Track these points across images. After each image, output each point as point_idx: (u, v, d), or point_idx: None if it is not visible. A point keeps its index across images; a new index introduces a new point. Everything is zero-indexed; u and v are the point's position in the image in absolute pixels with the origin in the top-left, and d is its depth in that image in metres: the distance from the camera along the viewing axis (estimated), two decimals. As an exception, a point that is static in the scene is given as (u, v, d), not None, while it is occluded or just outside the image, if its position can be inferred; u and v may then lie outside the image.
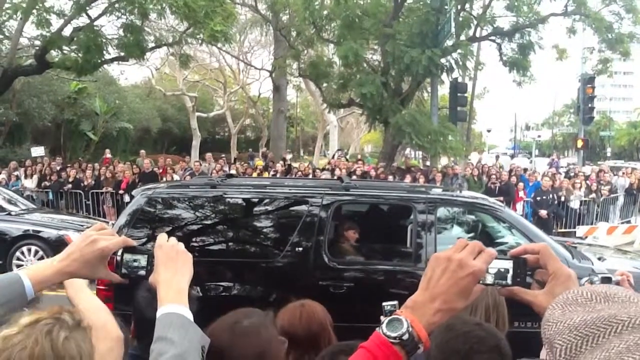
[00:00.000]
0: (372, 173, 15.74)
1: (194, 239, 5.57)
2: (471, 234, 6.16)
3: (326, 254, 5.35)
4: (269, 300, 5.01)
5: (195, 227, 5.69)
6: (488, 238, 5.92)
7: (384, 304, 2.56)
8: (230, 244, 5.74)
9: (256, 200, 5.79)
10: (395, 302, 2.43)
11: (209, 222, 5.78)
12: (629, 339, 0.77)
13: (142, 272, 1.45)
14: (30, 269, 1.44)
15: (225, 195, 5.75)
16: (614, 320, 0.80)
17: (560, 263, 1.19)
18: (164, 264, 1.41)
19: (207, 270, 5.29)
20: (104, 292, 4.93)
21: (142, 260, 1.46)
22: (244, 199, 5.83)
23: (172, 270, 1.40)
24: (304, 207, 5.54)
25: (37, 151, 19.27)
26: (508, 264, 1.18)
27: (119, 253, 1.47)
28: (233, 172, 15.83)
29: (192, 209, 5.72)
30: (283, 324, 2.32)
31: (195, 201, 5.73)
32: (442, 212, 5.84)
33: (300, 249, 5.36)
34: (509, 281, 1.17)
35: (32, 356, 1.16)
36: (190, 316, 1.34)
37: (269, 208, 5.73)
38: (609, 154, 48.59)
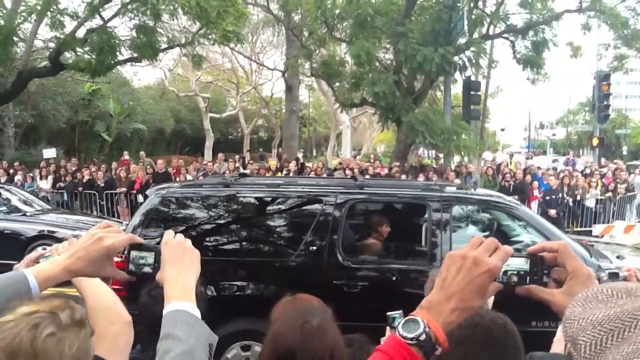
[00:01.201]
0: (383, 173, 15.70)
1: (207, 238, 5.57)
2: (487, 232, 6.09)
3: (340, 253, 5.31)
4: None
5: (209, 226, 5.69)
6: (504, 236, 5.84)
7: (388, 313, 2.53)
8: (243, 243, 5.72)
9: (270, 199, 5.77)
10: (400, 312, 2.40)
11: (222, 221, 5.77)
12: None
13: (150, 270, 1.44)
14: (36, 267, 1.44)
15: (239, 195, 5.75)
16: (638, 313, 0.78)
17: (579, 262, 1.17)
18: (171, 261, 1.39)
19: (221, 269, 5.30)
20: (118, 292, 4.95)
21: (150, 257, 1.45)
22: (257, 198, 5.81)
23: (179, 268, 1.39)
24: (317, 206, 5.51)
25: (49, 152, 19.44)
26: (525, 262, 1.15)
27: (126, 251, 1.47)
28: (247, 171, 15.90)
29: (206, 208, 5.72)
30: (278, 318, 2.28)
31: (209, 200, 5.72)
32: (457, 210, 5.78)
33: (314, 248, 5.34)
34: (527, 280, 1.15)
35: (7, 347, 1.13)
36: (197, 313, 1.32)
37: (283, 207, 5.71)
38: (625, 152, 48.07)
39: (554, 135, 66.12)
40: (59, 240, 9.83)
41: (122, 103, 30.15)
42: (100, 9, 16.07)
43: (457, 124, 16.67)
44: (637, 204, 16.22)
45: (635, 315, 0.78)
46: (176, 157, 21.66)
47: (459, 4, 15.26)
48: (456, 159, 19.28)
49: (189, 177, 15.73)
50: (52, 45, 17.34)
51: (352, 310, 4.86)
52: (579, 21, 19.10)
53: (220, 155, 19.16)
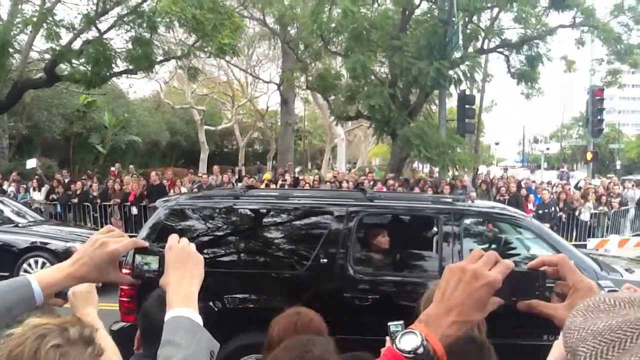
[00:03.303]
0: (378, 186, 15.69)
1: (216, 250, 5.54)
2: (497, 245, 6.08)
3: (351, 265, 5.28)
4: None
5: (217, 238, 5.64)
6: (514, 249, 5.86)
7: (389, 324, 2.51)
8: (253, 255, 5.66)
9: (279, 211, 5.73)
10: (402, 322, 2.38)
11: (231, 233, 5.72)
12: None
13: (154, 274, 1.42)
14: (40, 273, 1.42)
15: (248, 206, 5.72)
16: (639, 324, 0.76)
17: (580, 274, 1.15)
18: (174, 266, 1.38)
19: (229, 281, 5.26)
20: (126, 304, 4.96)
21: (154, 262, 1.43)
22: (266, 210, 5.77)
23: (182, 273, 1.37)
24: (328, 218, 5.48)
25: (31, 163, 19.38)
26: (526, 277, 1.13)
27: (130, 255, 1.45)
28: (240, 185, 15.87)
29: (215, 220, 5.69)
30: (278, 332, 2.25)
31: (218, 212, 5.68)
32: (468, 223, 5.76)
33: (325, 260, 5.30)
34: (528, 294, 1.13)
35: (10, 354, 1.11)
36: (199, 320, 1.30)
37: (293, 219, 5.68)
38: (618, 167, 48.27)
39: (548, 149, 66.41)
40: (52, 251, 9.80)
41: (117, 115, 30.13)
42: (97, 21, 16.12)
43: (452, 137, 16.72)
44: (631, 218, 16.28)
45: (638, 325, 0.76)
46: (170, 169, 21.61)
47: (453, 19, 15.33)
48: (451, 172, 19.31)
49: (183, 189, 15.68)
50: (47, 56, 17.36)
51: (363, 322, 4.85)
52: (572, 36, 19.31)
53: (216, 168, 19.12)
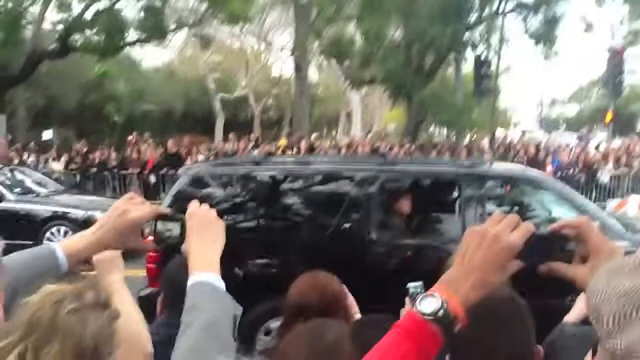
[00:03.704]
0: (395, 151, 15.62)
1: (239, 217, 5.57)
2: (520, 208, 6.01)
3: (375, 230, 5.29)
4: None
5: (240, 205, 5.66)
6: (539, 212, 5.82)
7: (409, 285, 2.50)
8: (276, 221, 5.69)
9: (301, 177, 5.74)
10: (420, 283, 2.38)
11: (254, 199, 5.73)
12: None
13: (176, 240, 1.43)
14: (64, 242, 1.45)
15: (270, 173, 5.74)
16: None
17: (603, 237, 1.14)
18: (196, 232, 1.37)
19: (252, 246, 5.31)
20: (153, 270, 5.05)
21: (176, 228, 1.44)
22: (288, 176, 5.78)
23: (204, 239, 1.37)
24: (349, 183, 5.49)
25: (47, 134, 19.57)
26: (547, 239, 1.13)
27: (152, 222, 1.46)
28: (256, 152, 15.89)
29: (237, 187, 5.71)
30: (296, 295, 2.28)
31: (240, 179, 5.70)
32: (490, 186, 5.71)
33: (348, 224, 5.32)
34: (549, 257, 1.13)
35: (27, 321, 1.12)
36: (222, 285, 1.30)
37: (314, 184, 5.69)
38: (639, 129, 47.42)
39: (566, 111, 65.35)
40: (73, 220, 9.96)
41: (132, 85, 30.11)
42: (108, -10, 16.02)
43: (468, 101, 16.54)
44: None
45: None
46: (187, 136, 21.64)
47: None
48: (468, 136, 19.15)
49: (200, 157, 15.75)
50: (60, 27, 17.32)
51: (385, 288, 4.89)
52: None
53: (232, 135, 19.12)
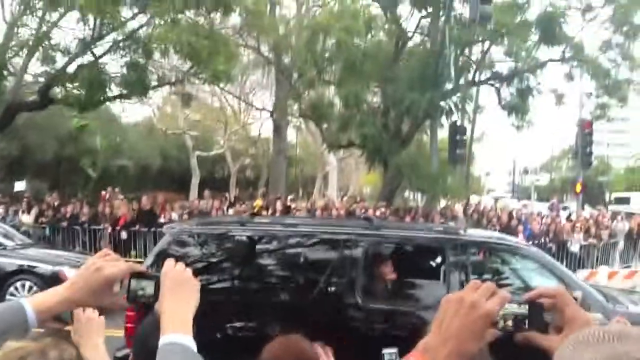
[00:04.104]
0: (370, 212, 15.69)
1: (222, 278, 5.50)
2: (505, 276, 6.06)
3: (359, 295, 5.25)
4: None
5: (223, 265, 5.62)
6: (523, 281, 5.86)
7: (383, 351, 2.46)
8: (259, 283, 5.62)
9: (286, 239, 5.71)
10: (395, 350, 2.35)
11: (237, 260, 5.68)
12: None
13: (150, 300, 1.39)
14: (35, 297, 1.41)
15: (255, 234, 5.71)
16: (626, 358, 0.76)
17: (578, 308, 1.14)
18: (170, 291, 1.35)
19: (236, 310, 5.24)
20: (131, 330, 4.90)
21: (150, 286, 1.40)
22: (273, 238, 5.74)
23: (177, 298, 1.35)
24: (335, 247, 5.49)
25: (19, 185, 19.34)
26: (524, 309, 1.13)
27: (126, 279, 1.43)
28: (231, 212, 15.83)
29: (221, 248, 5.67)
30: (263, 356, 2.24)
31: (224, 239, 5.67)
32: (475, 252, 5.77)
33: (332, 289, 5.29)
34: (525, 326, 1.12)
35: None
36: (193, 346, 1.28)
37: (300, 247, 5.66)
38: (607, 200, 48.55)
39: (537, 180, 66.83)
40: (39, 275, 9.68)
41: (110, 139, 30.07)
42: (92, 46, 16.19)
43: (443, 167, 16.82)
44: (620, 250, 16.33)
45: (624, 359, 0.76)
46: (161, 194, 21.50)
47: (445, 51, 15.56)
48: (442, 202, 19.36)
49: (174, 215, 15.61)
50: (42, 79, 17.37)
51: (371, 352, 4.80)
52: (562, 70, 19.64)
53: (207, 193, 19.04)
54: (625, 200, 34.97)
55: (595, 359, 0.78)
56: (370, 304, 5.32)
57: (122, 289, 1.43)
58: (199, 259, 5.53)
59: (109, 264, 1.41)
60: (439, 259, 5.76)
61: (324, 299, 5.24)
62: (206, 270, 5.45)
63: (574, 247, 14.59)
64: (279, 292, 5.53)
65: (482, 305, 1.05)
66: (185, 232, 5.63)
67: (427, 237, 5.98)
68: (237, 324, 5.18)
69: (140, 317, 4.71)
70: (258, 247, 5.74)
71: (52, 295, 1.40)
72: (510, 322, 1.12)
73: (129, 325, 4.98)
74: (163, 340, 1.27)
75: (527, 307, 1.13)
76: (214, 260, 5.62)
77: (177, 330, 1.29)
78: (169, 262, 1.43)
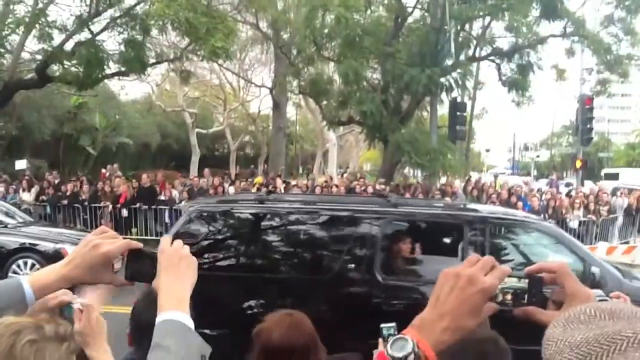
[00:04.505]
0: (370, 190, 15.73)
1: (242, 255, 5.54)
2: (522, 252, 6.09)
3: (378, 271, 5.29)
4: (320, 317, 5.00)
5: (243, 242, 5.63)
6: (540, 257, 5.86)
7: (381, 325, 2.46)
8: (279, 260, 5.64)
9: (305, 216, 5.74)
10: (394, 324, 2.36)
11: (257, 237, 5.69)
12: (634, 357, 0.72)
13: (148, 277, 1.38)
14: (33, 275, 1.41)
15: (274, 211, 5.72)
16: (618, 336, 0.75)
17: (579, 283, 1.11)
18: (167, 269, 1.34)
19: (255, 286, 5.25)
20: None
21: (148, 264, 1.39)
22: (292, 215, 5.76)
23: (174, 276, 1.33)
24: (354, 223, 5.52)
25: (20, 164, 19.30)
26: (523, 283, 1.12)
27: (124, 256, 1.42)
28: (232, 189, 15.84)
29: (240, 225, 5.70)
30: (268, 334, 2.23)
31: (242, 217, 5.71)
32: (492, 229, 5.76)
33: (352, 265, 5.31)
34: (525, 300, 1.11)
35: None
36: (190, 323, 1.27)
37: (318, 224, 5.70)
38: (603, 175, 48.58)
39: (537, 157, 66.82)
40: (41, 253, 9.74)
41: (109, 117, 29.97)
42: (89, 23, 16.05)
43: (443, 144, 16.77)
44: (619, 226, 16.39)
45: (615, 339, 0.75)
46: (161, 171, 21.50)
47: (445, 27, 15.41)
48: (442, 178, 19.37)
49: (174, 192, 15.63)
50: (39, 57, 17.26)
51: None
52: (563, 46, 19.49)
53: (207, 171, 19.03)
54: (614, 176, 35.27)
55: (585, 337, 0.77)
56: (389, 280, 5.34)
57: (123, 266, 1.44)
58: (218, 237, 5.56)
59: (106, 241, 1.40)
60: (456, 236, 5.75)
61: (343, 276, 5.27)
62: (225, 248, 5.49)
63: (573, 224, 14.64)
64: (297, 269, 5.54)
65: (479, 280, 1.03)
66: (204, 211, 5.62)
67: (445, 214, 6.01)
68: (257, 301, 5.20)
69: None
70: (276, 223, 5.75)
71: (50, 273, 1.40)
72: (509, 297, 1.11)
73: None
74: (160, 317, 1.26)
75: (526, 281, 1.12)
76: (233, 238, 5.64)
77: (174, 307, 1.27)
78: (165, 239, 1.41)
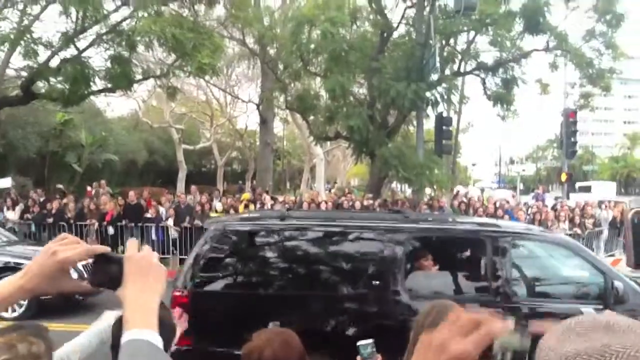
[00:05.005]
0: (358, 205, 15.74)
1: (263, 272, 5.57)
2: (540, 268, 6.17)
3: (402, 287, 5.31)
4: (344, 334, 5.06)
5: (265, 260, 5.66)
6: (559, 272, 5.96)
7: (358, 343, 2.43)
8: (303, 277, 5.66)
9: (327, 234, 5.79)
10: (371, 341, 2.33)
11: (278, 254, 5.72)
12: None
13: (114, 284, 1.27)
14: None
15: (297, 229, 5.77)
16: (607, 350, 0.75)
17: None
18: (133, 278, 1.25)
19: (281, 304, 5.30)
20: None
21: (115, 269, 1.29)
22: (315, 233, 5.81)
23: (141, 287, 1.24)
24: (376, 241, 5.56)
25: (4, 182, 19.12)
26: (526, 342, 1.10)
27: (90, 262, 1.33)
28: (219, 205, 15.76)
29: (261, 242, 5.74)
30: (259, 352, 2.21)
31: (264, 234, 5.75)
32: (513, 245, 5.78)
33: (376, 282, 5.34)
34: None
35: None
36: (159, 342, 1.17)
37: (340, 242, 5.73)
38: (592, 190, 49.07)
39: (523, 170, 67.39)
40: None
41: (95, 133, 29.82)
42: (75, 39, 16.00)
43: (429, 158, 16.84)
44: (604, 239, 16.51)
45: (604, 352, 0.75)
46: (147, 188, 21.37)
47: (431, 41, 15.55)
48: (428, 191, 19.43)
49: (161, 209, 15.54)
50: (24, 74, 17.15)
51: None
52: (546, 60, 19.72)
53: (194, 188, 18.94)
54: (587, 189, 36.30)
55: (575, 349, 0.77)
56: (412, 297, 5.36)
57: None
58: (241, 254, 5.60)
59: (64, 247, 1.33)
60: (477, 251, 5.79)
61: (367, 292, 5.31)
62: (248, 265, 5.54)
63: (559, 236, 14.73)
64: (321, 285, 5.56)
65: (449, 348, 0.95)
66: (226, 228, 5.63)
67: (465, 230, 6.04)
68: (281, 318, 5.21)
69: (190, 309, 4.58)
70: (299, 241, 5.78)
71: (5, 285, 1.33)
72: (509, 355, 1.08)
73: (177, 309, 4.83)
74: (125, 337, 1.17)
75: (529, 340, 1.10)
76: (256, 255, 5.67)
77: (140, 325, 1.19)
78: (132, 243, 1.33)
